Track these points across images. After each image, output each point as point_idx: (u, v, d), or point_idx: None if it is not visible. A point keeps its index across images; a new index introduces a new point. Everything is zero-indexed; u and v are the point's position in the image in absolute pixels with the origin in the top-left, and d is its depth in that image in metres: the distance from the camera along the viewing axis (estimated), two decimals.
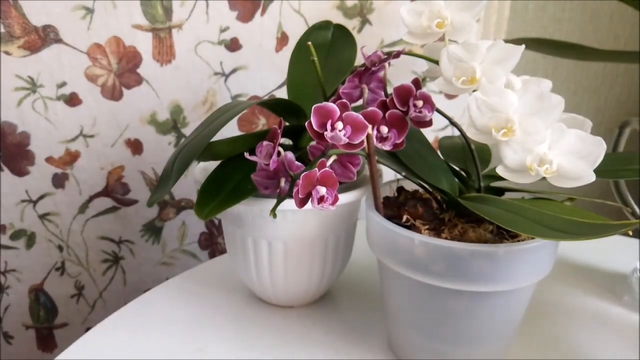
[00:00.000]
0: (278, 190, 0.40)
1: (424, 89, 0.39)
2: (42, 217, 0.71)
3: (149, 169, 0.73)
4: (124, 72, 0.67)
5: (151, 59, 0.67)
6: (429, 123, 0.39)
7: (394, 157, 0.43)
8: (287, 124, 0.47)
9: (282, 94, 0.72)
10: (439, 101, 0.71)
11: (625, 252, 0.62)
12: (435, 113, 0.39)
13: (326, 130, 0.36)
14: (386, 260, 0.39)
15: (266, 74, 0.71)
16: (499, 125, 0.35)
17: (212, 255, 0.80)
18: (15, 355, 0.77)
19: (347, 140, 0.36)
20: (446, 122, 0.43)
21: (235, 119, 0.73)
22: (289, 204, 0.38)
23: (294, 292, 0.50)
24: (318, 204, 0.36)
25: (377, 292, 0.54)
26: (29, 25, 0.63)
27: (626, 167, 0.41)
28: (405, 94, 0.39)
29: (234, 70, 0.70)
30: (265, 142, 0.40)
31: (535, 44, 0.60)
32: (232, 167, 0.45)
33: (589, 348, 0.46)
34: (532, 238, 0.36)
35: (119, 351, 0.45)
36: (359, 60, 0.45)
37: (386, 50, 0.48)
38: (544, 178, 0.35)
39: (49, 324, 0.77)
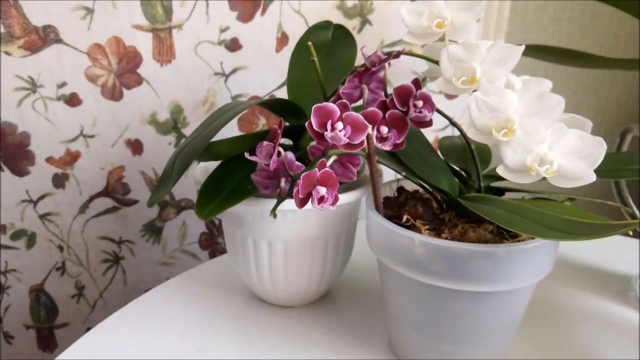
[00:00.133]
0: (278, 191, 0.40)
1: (424, 89, 0.39)
2: (43, 217, 0.71)
3: (149, 169, 0.73)
4: (124, 72, 0.67)
5: (151, 59, 0.67)
6: (429, 123, 0.39)
7: (394, 157, 0.43)
8: (287, 124, 0.47)
9: (282, 94, 0.72)
10: (439, 101, 0.72)
11: (625, 252, 0.62)
12: (435, 113, 0.39)
13: (326, 130, 0.36)
14: (386, 260, 0.39)
15: (266, 74, 0.71)
16: (499, 125, 0.35)
17: (213, 255, 0.80)
18: (16, 355, 0.77)
19: (347, 141, 0.36)
20: (446, 122, 0.43)
21: (236, 119, 0.73)
22: (289, 204, 0.38)
23: (294, 292, 0.50)
24: (318, 204, 0.36)
25: (377, 292, 0.54)
26: (29, 26, 0.63)
27: (626, 167, 0.41)
28: (405, 94, 0.39)
29: (234, 71, 0.70)
30: (265, 142, 0.40)
31: (536, 52, 0.60)
32: (232, 167, 0.45)
33: (589, 348, 0.46)
34: (532, 238, 0.36)
35: (119, 351, 0.45)
36: (359, 61, 0.45)
37: (386, 50, 0.48)
38: (544, 178, 0.35)
39: (49, 324, 0.77)
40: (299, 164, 0.40)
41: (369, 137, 0.37)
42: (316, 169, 0.36)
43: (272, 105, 0.52)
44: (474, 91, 0.37)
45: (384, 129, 0.38)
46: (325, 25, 0.54)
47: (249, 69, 0.71)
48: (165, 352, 0.45)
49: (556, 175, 0.35)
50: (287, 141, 0.49)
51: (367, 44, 0.72)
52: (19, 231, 0.71)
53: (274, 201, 0.40)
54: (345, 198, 0.43)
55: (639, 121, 0.91)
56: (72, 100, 0.67)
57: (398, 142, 0.38)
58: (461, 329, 0.39)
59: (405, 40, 0.43)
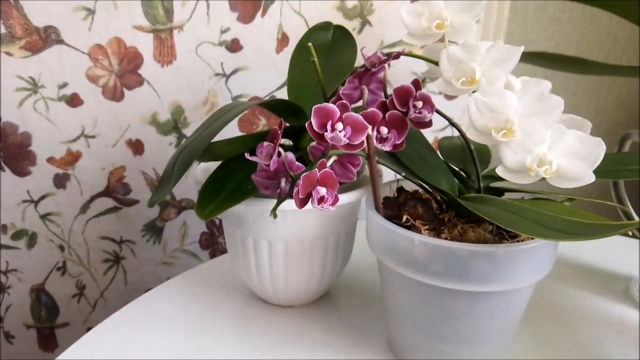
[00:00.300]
0: (278, 191, 0.40)
1: (423, 90, 0.39)
2: (44, 217, 0.72)
3: (150, 169, 0.73)
4: (125, 72, 0.67)
5: (152, 59, 0.67)
6: (428, 124, 0.39)
7: (394, 158, 0.43)
8: (287, 124, 0.47)
9: (283, 94, 0.72)
10: (439, 102, 0.72)
11: (625, 252, 0.62)
12: (435, 114, 0.39)
13: (326, 131, 0.36)
14: (386, 260, 0.39)
15: (267, 74, 0.71)
16: (498, 126, 0.35)
17: (213, 255, 0.80)
18: (17, 355, 0.77)
19: (347, 141, 0.36)
20: (446, 122, 0.43)
21: (236, 119, 0.73)
22: (289, 204, 0.38)
23: (295, 292, 0.50)
24: (318, 204, 0.36)
25: (377, 292, 0.54)
26: (30, 26, 0.63)
27: (625, 168, 0.41)
28: (405, 95, 0.39)
29: (234, 71, 0.71)
30: (265, 143, 0.40)
31: (534, 58, 0.60)
32: (232, 167, 0.45)
33: (589, 347, 0.46)
34: (532, 238, 0.36)
35: (120, 351, 0.45)
36: (359, 61, 0.45)
37: (386, 51, 0.48)
38: (543, 178, 0.35)
39: (50, 323, 0.77)
40: (299, 164, 0.40)
41: (368, 137, 0.37)
42: (316, 169, 0.36)
43: (273, 105, 0.52)
44: (474, 92, 0.37)
45: (384, 130, 0.38)
46: (325, 26, 0.54)
47: (249, 70, 0.71)
48: (165, 351, 0.45)
49: (555, 175, 0.35)
50: (287, 142, 0.49)
51: (367, 45, 0.71)
52: (19, 231, 0.72)
53: (274, 201, 0.40)
54: (345, 198, 0.43)
55: (639, 123, 0.91)
56: (73, 100, 0.67)
57: (398, 142, 0.39)
58: (461, 328, 0.39)
59: (405, 41, 0.43)
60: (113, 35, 0.65)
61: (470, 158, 0.42)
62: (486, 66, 0.37)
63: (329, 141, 0.36)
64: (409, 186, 0.46)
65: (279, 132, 0.39)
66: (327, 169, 0.36)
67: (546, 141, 0.35)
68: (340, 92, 0.42)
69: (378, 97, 0.42)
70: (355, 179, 0.42)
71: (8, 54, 0.63)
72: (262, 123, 0.74)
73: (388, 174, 0.53)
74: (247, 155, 0.40)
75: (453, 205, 0.41)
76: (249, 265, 0.49)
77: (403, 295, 0.40)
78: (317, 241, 0.47)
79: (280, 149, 0.39)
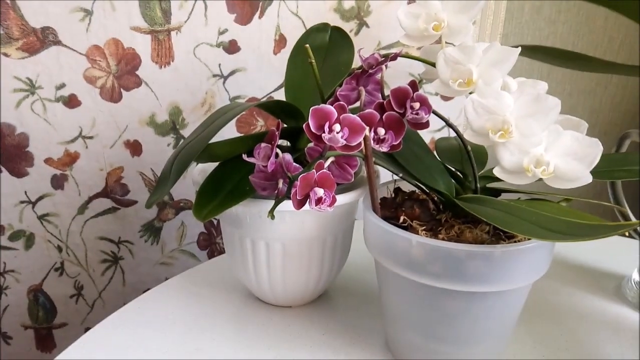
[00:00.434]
0: (276, 192, 0.41)
1: (420, 91, 0.39)
2: (41, 217, 0.72)
3: (148, 170, 0.73)
4: (122, 73, 0.67)
5: (150, 60, 0.67)
6: (425, 125, 0.39)
7: (391, 159, 0.43)
8: (285, 125, 0.47)
9: (280, 95, 0.72)
10: (435, 102, 0.72)
11: (621, 251, 0.62)
12: (432, 114, 0.39)
13: (324, 132, 0.36)
14: (383, 260, 0.39)
15: (264, 75, 0.72)
16: (495, 127, 0.36)
17: (211, 255, 0.80)
18: (14, 355, 0.77)
19: (344, 142, 0.37)
20: (443, 123, 0.43)
21: (234, 120, 0.73)
22: (287, 205, 0.38)
23: (292, 292, 0.50)
24: (316, 205, 0.36)
25: (374, 292, 0.54)
26: (28, 27, 0.63)
27: (622, 168, 0.41)
28: (402, 96, 0.39)
29: (232, 72, 0.71)
30: (263, 144, 0.40)
31: (534, 52, 0.60)
32: (230, 168, 0.45)
33: (587, 347, 0.46)
34: (529, 239, 0.36)
35: (118, 351, 0.45)
36: (357, 63, 0.45)
37: (383, 52, 0.49)
38: (540, 179, 0.35)
39: (48, 324, 0.77)
40: (297, 165, 0.40)
41: (366, 138, 0.37)
42: (314, 170, 0.36)
43: (270, 107, 0.52)
44: (471, 93, 0.37)
45: (381, 131, 0.38)
46: (322, 28, 0.54)
47: (247, 71, 0.71)
48: (163, 351, 0.45)
49: (552, 176, 0.35)
50: (285, 143, 0.49)
51: (364, 46, 0.72)
52: (17, 232, 0.71)
53: (272, 202, 0.40)
54: (342, 199, 0.43)
55: (636, 123, 0.92)
56: (71, 101, 0.67)
57: (395, 143, 0.39)
58: (458, 328, 0.39)
59: (402, 43, 0.43)
60: (111, 37, 0.65)
61: (467, 159, 0.42)
62: (483, 67, 0.38)
63: (327, 142, 0.36)
64: (406, 187, 0.46)
65: (277, 133, 0.39)
66: (324, 170, 0.36)
67: (543, 142, 0.35)
68: (338, 93, 0.42)
69: (375, 98, 0.42)
70: (353, 179, 0.42)
71: (5, 55, 0.63)
72: (260, 124, 0.74)
73: (385, 175, 0.53)
74: (244, 157, 0.40)
75: (450, 206, 0.42)
76: (246, 265, 0.49)
77: (400, 295, 0.40)
78: (314, 242, 0.47)
79: (278, 150, 0.40)
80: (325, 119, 0.36)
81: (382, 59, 0.41)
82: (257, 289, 0.51)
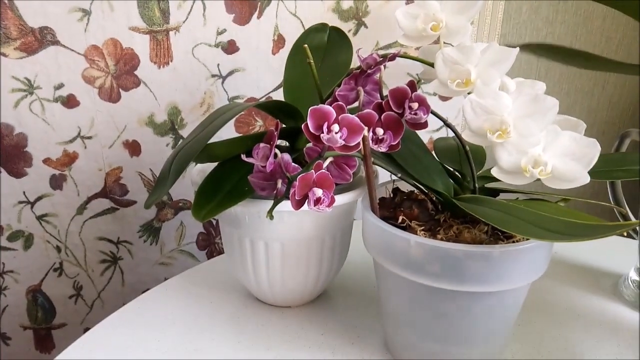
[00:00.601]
0: (275, 192, 0.41)
1: (419, 92, 0.39)
2: (40, 218, 0.71)
3: (147, 170, 0.73)
4: (121, 74, 0.67)
5: (148, 61, 0.67)
6: (424, 125, 0.39)
7: (390, 159, 0.43)
8: (283, 126, 0.47)
9: (279, 96, 0.72)
10: (434, 102, 0.72)
11: (620, 251, 0.62)
12: (430, 114, 0.40)
13: (322, 132, 0.36)
14: (382, 260, 0.39)
15: (263, 76, 0.72)
16: (493, 127, 0.36)
17: (210, 255, 0.80)
18: (13, 355, 0.77)
19: (343, 142, 0.37)
20: (441, 123, 0.43)
21: (233, 120, 0.73)
22: (285, 205, 0.38)
23: (291, 292, 0.50)
24: (314, 205, 0.36)
25: (373, 292, 0.54)
26: (26, 27, 0.63)
27: (620, 168, 0.41)
28: (400, 96, 0.39)
29: (231, 72, 0.71)
30: (262, 144, 0.40)
31: (541, 50, 0.60)
32: (229, 168, 0.45)
33: (586, 347, 0.46)
34: (527, 239, 0.36)
35: (117, 351, 0.45)
36: (355, 63, 0.45)
37: (381, 52, 0.49)
38: (538, 179, 0.35)
39: (47, 324, 0.77)
40: (296, 165, 0.40)
41: (364, 139, 0.37)
42: (312, 170, 0.36)
43: (269, 107, 0.52)
44: (469, 93, 0.37)
45: (380, 131, 0.38)
46: (321, 28, 0.54)
47: (245, 71, 0.71)
48: (163, 352, 0.45)
49: (550, 176, 0.35)
50: (283, 143, 0.49)
51: (362, 47, 0.72)
52: (16, 232, 0.71)
53: (270, 202, 0.40)
54: (341, 199, 0.43)
55: (634, 122, 0.92)
56: (70, 101, 0.67)
57: (393, 143, 0.39)
58: (456, 329, 0.39)
59: (400, 43, 0.43)
60: (109, 37, 0.65)
61: (465, 159, 0.42)
62: (481, 68, 0.38)
63: (325, 142, 0.37)
64: (405, 187, 0.46)
65: (275, 133, 0.39)
66: (323, 170, 0.36)
67: (541, 142, 0.35)
68: (336, 93, 0.42)
69: (374, 98, 0.43)
70: (352, 180, 0.42)
71: (3, 54, 0.63)
72: (259, 124, 0.74)
73: (384, 175, 0.54)
74: (243, 157, 0.40)
75: (448, 206, 0.42)
76: (245, 265, 0.49)
77: (399, 295, 0.41)
78: (313, 242, 0.47)
79: (277, 150, 0.40)
80: (324, 119, 0.37)
81: (381, 59, 0.42)
82: (256, 289, 0.51)
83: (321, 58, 0.51)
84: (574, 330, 0.48)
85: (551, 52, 0.59)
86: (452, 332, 0.39)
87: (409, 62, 0.44)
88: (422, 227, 0.39)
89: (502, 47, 0.38)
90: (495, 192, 0.44)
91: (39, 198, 0.70)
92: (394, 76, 0.71)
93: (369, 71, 0.42)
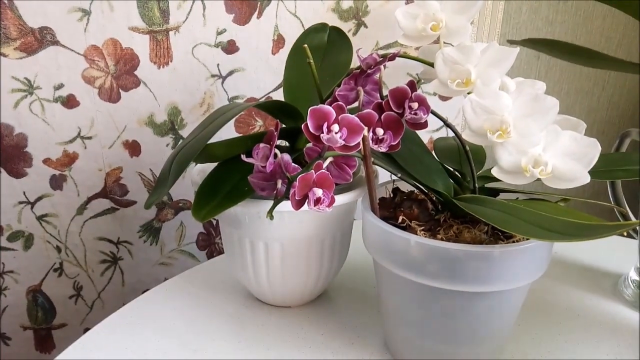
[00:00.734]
0: (275, 192, 0.41)
1: (419, 91, 0.39)
2: (40, 218, 0.71)
3: (147, 171, 0.73)
4: (121, 74, 0.67)
5: (148, 61, 0.67)
6: (424, 125, 0.39)
7: (390, 159, 0.43)
8: (283, 126, 0.47)
9: (279, 96, 0.72)
10: (434, 102, 0.72)
11: (620, 250, 0.62)
12: (430, 114, 0.40)
13: (322, 132, 0.36)
14: (382, 260, 0.39)
15: (263, 76, 0.72)
16: (493, 127, 0.36)
17: (210, 255, 0.80)
18: (13, 356, 0.77)
19: (343, 142, 0.37)
20: (441, 123, 0.43)
21: (232, 120, 0.73)
22: (285, 205, 0.38)
23: (291, 292, 0.50)
24: (314, 205, 0.36)
25: (373, 292, 0.54)
26: (25, 27, 0.63)
27: (620, 168, 0.41)
28: (400, 96, 0.39)
29: (230, 73, 0.71)
30: (262, 145, 0.40)
31: (543, 46, 0.60)
32: (229, 169, 0.45)
33: (585, 347, 0.46)
34: (527, 239, 0.36)
35: (117, 352, 0.45)
36: (355, 63, 0.45)
37: (381, 52, 0.49)
38: (538, 179, 0.35)
39: (47, 324, 0.77)
40: (296, 165, 0.40)
41: (364, 139, 0.37)
42: (312, 170, 0.36)
43: (269, 107, 0.52)
44: (469, 93, 0.37)
45: (380, 131, 0.38)
46: (321, 28, 0.54)
47: (245, 71, 0.71)
48: (163, 352, 0.45)
49: (551, 176, 0.35)
50: (283, 143, 0.49)
51: (362, 46, 0.72)
52: (16, 232, 0.71)
53: (270, 203, 0.40)
54: (341, 199, 0.43)
55: (634, 122, 0.92)
56: (70, 101, 0.67)
57: (393, 143, 0.39)
58: (456, 328, 0.39)
59: (400, 43, 0.43)
60: (109, 37, 0.65)
61: (465, 159, 0.42)
62: (481, 68, 0.38)
63: (325, 142, 0.37)
64: (405, 187, 0.46)
65: (275, 133, 0.39)
66: (323, 170, 0.36)
67: (541, 142, 0.35)
68: (336, 93, 0.42)
69: (374, 98, 0.43)
70: (352, 180, 0.42)
71: (3, 55, 0.63)
72: (259, 124, 0.74)
73: (384, 175, 0.54)
74: (243, 157, 0.40)
75: (448, 206, 0.42)
76: (245, 265, 0.49)
77: (399, 295, 0.41)
78: (313, 242, 0.47)
79: (277, 151, 0.40)
80: (324, 119, 0.37)
81: (381, 59, 0.42)
82: (256, 289, 0.51)
83: (321, 58, 0.51)
84: (574, 330, 0.48)
85: (553, 47, 0.59)
86: (452, 332, 0.39)
87: (409, 62, 0.44)
88: (422, 227, 0.39)
89: (502, 47, 0.38)
90: (495, 192, 0.44)
91: (39, 198, 0.70)
92: (394, 76, 0.71)
93: (368, 71, 0.42)
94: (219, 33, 0.68)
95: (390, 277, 0.40)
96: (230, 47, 0.69)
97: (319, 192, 0.36)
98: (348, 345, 0.46)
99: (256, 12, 0.68)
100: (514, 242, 0.37)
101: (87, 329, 0.56)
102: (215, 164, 0.47)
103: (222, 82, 0.71)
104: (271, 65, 0.71)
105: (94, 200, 0.72)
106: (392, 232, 0.37)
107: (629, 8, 0.49)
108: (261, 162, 0.40)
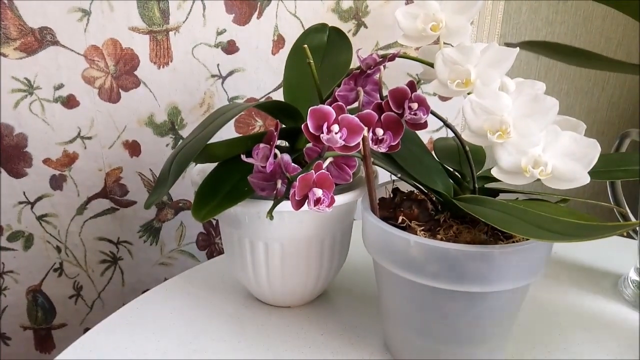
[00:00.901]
0: (275, 192, 0.41)
1: (418, 92, 0.39)
2: (40, 218, 0.72)
3: (147, 171, 0.73)
4: (121, 74, 0.67)
5: (148, 61, 0.67)
6: (424, 125, 0.39)
7: (390, 159, 0.43)
8: (283, 126, 0.47)
9: (279, 96, 0.72)
10: (434, 103, 0.72)
11: (620, 250, 0.62)
12: (430, 114, 0.40)
13: (322, 132, 0.36)
14: (382, 261, 0.39)
15: (263, 76, 0.72)
16: (493, 127, 0.36)
17: (210, 255, 0.80)
18: (13, 356, 0.77)
19: (343, 143, 0.37)
20: (441, 123, 0.43)
21: (232, 121, 0.73)
22: (285, 205, 0.38)
23: (291, 292, 0.50)
24: (314, 205, 0.36)
25: (373, 292, 0.54)
26: (26, 27, 0.63)
27: (620, 168, 0.41)
28: (400, 97, 0.39)
29: (230, 73, 0.71)
30: (262, 145, 0.40)
31: (542, 48, 0.60)
32: (229, 169, 0.45)
33: (585, 347, 0.46)
34: (527, 239, 0.36)
35: (117, 352, 0.45)
36: (355, 63, 0.45)
37: (381, 53, 0.49)
38: (538, 179, 0.35)
39: (47, 324, 0.77)
40: (295, 165, 0.40)
41: (364, 139, 0.37)
42: (312, 170, 0.36)
43: (269, 107, 0.52)
44: (469, 94, 0.37)
45: (380, 131, 0.38)
46: (321, 28, 0.54)
47: (245, 71, 0.71)
48: (162, 352, 0.45)
49: (550, 177, 0.35)
50: (283, 143, 0.49)
51: (362, 47, 0.72)
52: (16, 232, 0.71)
53: (270, 203, 0.40)
54: (341, 199, 0.43)
55: (633, 123, 0.92)
56: (70, 102, 0.67)
57: (393, 144, 0.39)
58: (456, 329, 0.39)
59: (400, 43, 0.43)
60: (109, 37, 0.65)
61: (465, 159, 0.42)
62: (481, 68, 0.38)
63: (325, 143, 0.37)
64: (405, 187, 0.46)
65: (275, 133, 0.39)
66: (323, 171, 0.36)
67: (541, 142, 0.35)
68: (336, 93, 0.42)
69: (374, 98, 0.42)
70: (351, 180, 0.42)
71: (3, 55, 0.63)
72: (259, 124, 0.74)
73: (383, 175, 0.54)
74: (243, 157, 0.40)
75: (448, 206, 0.42)
76: (245, 266, 0.49)
77: (399, 295, 0.41)
78: (313, 242, 0.47)
79: (277, 151, 0.40)
80: (324, 119, 0.37)
81: (381, 59, 0.42)
82: (256, 289, 0.51)
83: (321, 58, 0.51)
84: (574, 330, 0.48)
85: (551, 49, 0.59)
86: (452, 332, 0.39)
87: (409, 62, 0.44)
88: (422, 227, 0.39)
89: (502, 47, 0.38)
90: (495, 192, 0.43)
91: (39, 198, 0.70)
92: (393, 76, 0.71)
93: (368, 71, 0.42)
94: (219, 33, 0.68)
95: (390, 277, 0.40)
96: (230, 47, 0.69)
97: (318, 192, 0.36)
98: (348, 345, 0.46)
99: (256, 12, 0.68)
100: (513, 242, 0.37)
101: (87, 329, 0.56)
102: (215, 164, 0.47)
103: (222, 82, 0.71)
104: (271, 65, 0.71)
105: (94, 200, 0.72)
106: (392, 232, 0.37)
107: (628, 9, 0.49)
108: (261, 162, 0.40)
